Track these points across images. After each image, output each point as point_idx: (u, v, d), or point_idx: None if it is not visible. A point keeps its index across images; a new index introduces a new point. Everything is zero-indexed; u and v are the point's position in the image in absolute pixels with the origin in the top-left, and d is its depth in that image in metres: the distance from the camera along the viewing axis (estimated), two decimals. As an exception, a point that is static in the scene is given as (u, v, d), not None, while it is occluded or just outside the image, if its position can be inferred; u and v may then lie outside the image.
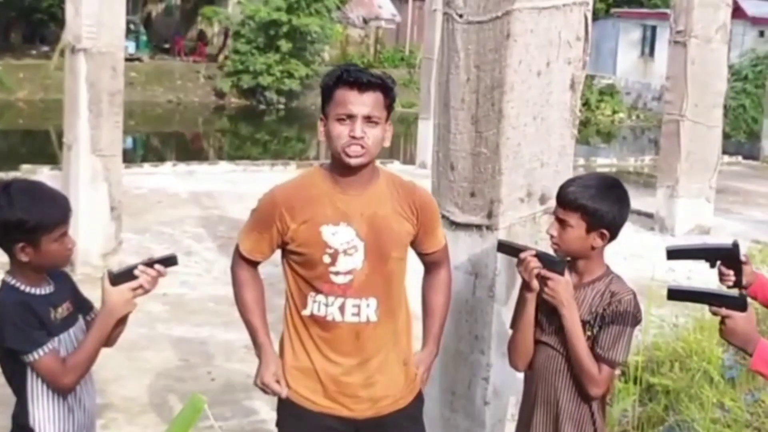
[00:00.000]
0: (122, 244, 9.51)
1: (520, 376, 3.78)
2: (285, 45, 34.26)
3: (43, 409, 3.23)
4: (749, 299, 3.20)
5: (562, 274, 3.45)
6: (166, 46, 40.23)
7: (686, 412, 5.56)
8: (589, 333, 3.48)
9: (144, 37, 37.77)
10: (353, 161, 3.35)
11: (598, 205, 3.44)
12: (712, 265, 3.78)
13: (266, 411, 6.03)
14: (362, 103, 3.32)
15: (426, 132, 16.53)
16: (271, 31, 34.28)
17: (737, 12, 19.18)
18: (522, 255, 3.50)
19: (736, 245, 3.74)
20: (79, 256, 8.72)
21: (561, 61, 4.15)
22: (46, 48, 35.31)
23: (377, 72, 3.45)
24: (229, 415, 6.05)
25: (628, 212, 3.53)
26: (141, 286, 3.25)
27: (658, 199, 12.72)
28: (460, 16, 4.18)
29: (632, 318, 3.47)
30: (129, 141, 24.76)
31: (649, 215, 12.82)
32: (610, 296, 3.47)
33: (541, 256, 3.48)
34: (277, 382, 3.52)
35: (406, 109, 30.00)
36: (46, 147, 23.45)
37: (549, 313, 3.53)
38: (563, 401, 3.54)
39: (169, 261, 3.33)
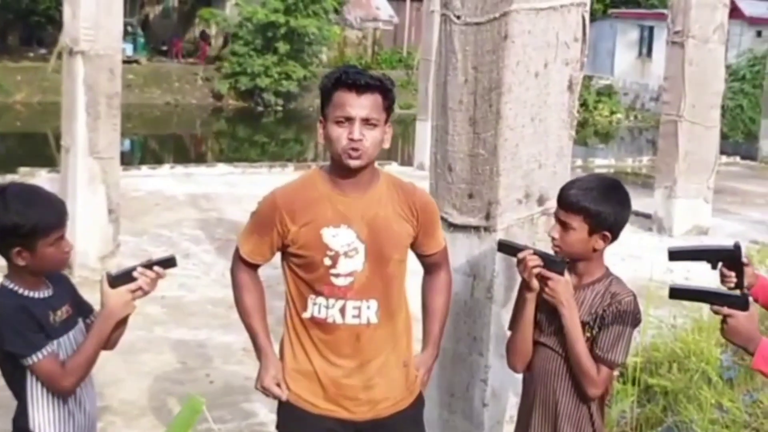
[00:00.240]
0: (120, 246, 9.50)
1: (519, 377, 3.78)
2: (283, 47, 34.28)
3: (43, 412, 3.22)
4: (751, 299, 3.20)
5: (561, 273, 3.45)
6: (164, 48, 40.24)
7: (685, 413, 5.56)
8: (588, 334, 3.48)
9: (141, 40, 37.78)
10: (352, 163, 3.35)
11: (600, 208, 3.43)
12: (714, 267, 3.78)
13: (265, 413, 6.03)
14: (360, 105, 3.32)
15: (424, 133, 16.53)
16: (269, 32, 34.30)
17: (734, 12, 19.21)
18: (522, 254, 3.50)
19: (737, 246, 3.74)
20: (77, 259, 8.72)
21: (559, 62, 4.15)
22: (43, 50, 35.31)
23: (376, 73, 3.45)
24: (228, 417, 6.04)
25: (629, 213, 3.54)
26: (140, 288, 3.25)
27: (656, 200, 12.72)
28: (458, 17, 4.18)
29: (632, 319, 3.46)
30: (127, 143, 24.75)
31: (647, 216, 12.81)
32: (610, 297, 3.47)
33: (540, 255, 3.48)
34: (278, 385, 3.52)
35: (404, 110, 29.98)
36: (44, 150, 23.43)
37: (548, 314, 3.53)
38: (562, 403, 3.54)
39: (168, 262, 3.32)
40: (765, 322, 6.30)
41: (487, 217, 4.15)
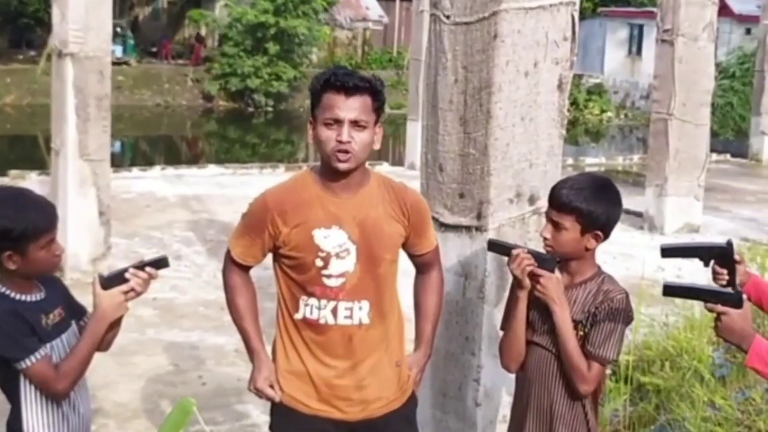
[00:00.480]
0: (111, 248, 9.48)
1: (511, 377, 3.78)
2: (273, 47, 34.27)
3: (36, 415, 3.21)
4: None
5: (552, 271, 3.46)
6: (154, 49, 40.18)
7: (677, 411, 5.57)
8: (581, 332, 3.48)
9: (131, 41, 37.73)
10: (341, 166, 3.35)
11: (592, 207, 3.43)
12: (706, 264, 3.79)
13: (258, 414, 6.02)
14: (349, 107, 3.32)
15: (414, 133, 16.53)
16: (259, 33, 34.29)
17: (724, 10, 19.25)
18: (514, 252, 3.50)
19: (730, 244, 3.75)
20: (69, 262, 8.71)
21: (548, 61, 4.15)
22: (32, 53, 35.26)
23: (366, 74, 3.44)
24: (220, 419, 6.04)
25: (620, 212, 3.54)
26: (132, 289, 3.25)
27: (647, 198, 12.74)
28: (447, 17, 4.18)
29: (624, 316, 3.47)
30: (117, 145, 24.73)
31: (638, 214, 12.84)
32: (602, 295, 3.47)
33: (531, 254, 3.48)
34: (271, 386, 3.52)
35: (395, 110, 29.99)
36: (34, 152, 23.41)
37: (541, 313, 3.53)
38: (556, 403, 3.54)
39: (160, 263, 3.32)
40: (757, 319, 6.32)
41: (479, 216, 4.15)
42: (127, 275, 3.24)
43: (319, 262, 3.39)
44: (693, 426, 5.30)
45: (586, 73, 38.43)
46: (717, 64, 15.84)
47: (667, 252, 3.87)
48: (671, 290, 3.16)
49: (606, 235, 3.49)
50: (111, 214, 9.53)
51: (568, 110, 4.37)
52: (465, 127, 4.16)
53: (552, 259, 3.48)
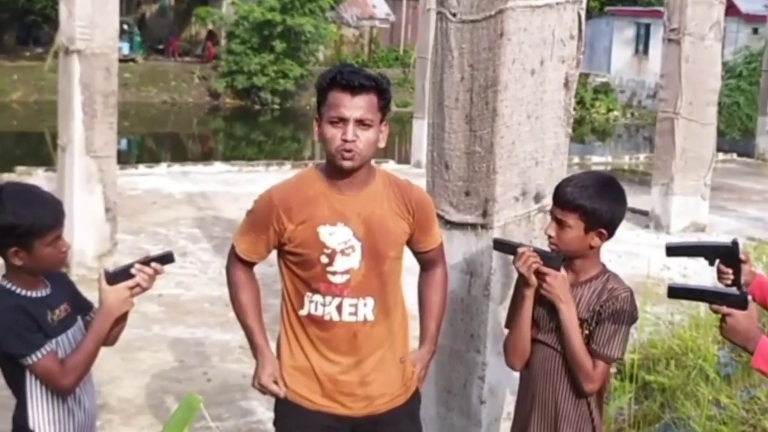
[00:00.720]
0: (117, 245, 9.50)
1: (516, 374, 3.78)
2: (279, 45, 34.25)
3: (42, 411, 3.22)
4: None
5: (558, 269, 3.46)
6: (160, 47, 40.20)
7: (682, 410, 5.56)
8: (586, 331, 3.48)
9: (138, 38, 37.77)
10: (345, 164, 3.35)
11: (596, 205, 3.43)
12: (711, 263, 3.78)
13: (263, 411, 6.03)
14: (355, 106, 3.32)
15: (421, 131, 16.54)
16: (265, 31, 34.28)
17: (731, 9, 19.22)
18: (520, 250, 3.50)
19: (735, 243, 3.74)
20: (75, 258, 8.73)
21: (555, 60, 4.15)
22: (39, 49, 35.29)
23: (372, 73, 3.43)
24: (226, 415, 6.04)
25: (625, 210, 3.54)
26: (138, 285, 3.25)
27: (653, 197, 12.74)
28: (454, 15, 4.19)
29: (628, 315, 3.47)
30: (124, 142, 24.73)
31: (644, 213, 12.85)
32: (607, 294, 3.47)
33: (537, 252, 3.48)
34: (275, 382, 3.52)
35: (401, 108, 30.01)
36: (41, 149, 23.45)
37: (546, 312, 3.54)
38: (561, 401, 3.54)
39: (166, 258, 3.32)
40: (762, 318, 6.32)
41: (484, 214, 4.15)
42: (132, 271, 3.24)
43: (324, 259, 3.40)
44: (698, 425, 5.30)
45: (592, 72, 38.41)
46: (724, 64, 15.82)
47: (673, 251, 3.86)
48: (676, 292, 3.15)
49: (610, 234, 3.49)
50: (117, 211, 9.55)
51: (575, 109, 4.37)
52: (471, 125, 4.16)
53: (558, 257, 3.48)
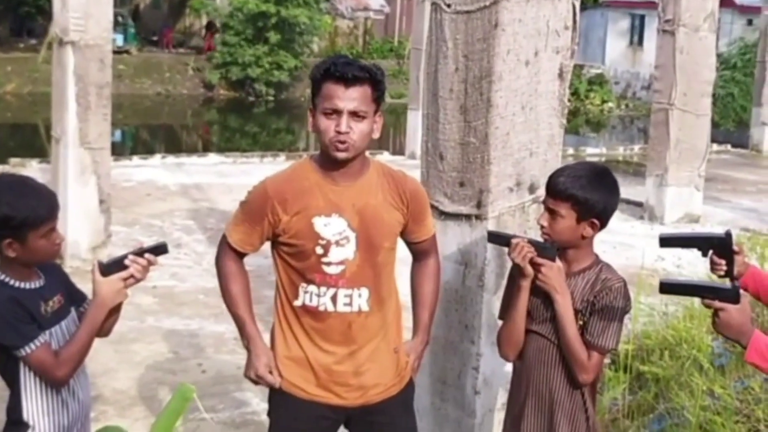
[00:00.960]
0: (111, 237, 9.50)
1: (510, 365, 3.78)
2: (273, 36, 34.18)
3: (36, 402, 3.22)
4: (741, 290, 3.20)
5: (553, 259, 3.46)
6: (155, 38, 40.10)
7: (676, 400, 5.58)
8: (580, 321, 3.48)
9: (132, 30, 37.62)
10: (339, 156, 3.36)
11: (588, 195, 3.43)
12: (704, 254, 3.78)
13: (257, 402, 6.04)
14: (349, 98, 3.32)
15: (415, 122, 16.54)
16: (260, 22, 34.20)
17: (725, 0, 19.22)
18: (514, 241, 3.50)
19: (728, 235, 3.74)
20: (69, 250, 8.73)
21: (549, 51, 4.15)
22: (33, 41, 35.17)
23: (366, 64, 3.43)
24: (220, 406, 6.05)
25: (618, 200, 3.53)
26: (132, 276, 3.25)
27: (648, 188, 12.76)
28: (448, 5, 4.19)
29: (622, 305, 3.47)
30: (118, 134, 24.69)
31: (639, 204, 12.87)
32: (601, 284, 3.48)
33: (532, 243, 3.48)
34: (270, 373, 3.52)
35: (396, 99, 29.98)
36: (35, 140, 23.40)
37: (540, 302, 3.54)
38: (556, 391, 3.54)
39: (159, 249, 3.32)
40: (756, 308, 6.33)
41: (479, 205, 4.15)
42: (126, 262, 3.24)
43: (319, 250, 3.40)
44: (692, 415, 5.31)
45: (587, 64, 38.38)
46: (718, 55, 15.83)
47: (666, 242, 3.87)
48: (668, 287, 3.15)
49: (603, 224, 3.49)
50: (111, 203, 9.55)
51: (569, 100, 4.37)
52: (465, 115, 4.16)
53: (553, 248, 3.47)
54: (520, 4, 4.03)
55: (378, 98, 3.41)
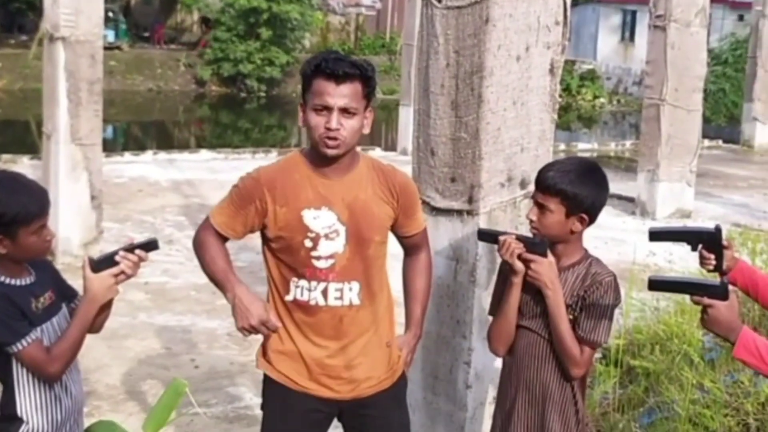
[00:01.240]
0: (103, 233, 9.50)
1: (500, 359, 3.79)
2: (265, 32, 34.16)
3: (29, 397, 3.22)
4: (730, 286, 3.21)
5: (544, 255, 3.46)
6: (146, 34, 40.01)
7: (666, 394, 5.59)
8: (570, 316, 3.48)
9: (123, 26, 37.51)
10: (329, 152, 3.37)
11: (577, 190, 3.43)
12: (694, 248, 3.79)
13: (250, 397, 6.06)
14: (339, 94, 3.32)
15: (407, 118, 16.54)
16: (251, 18, 34.17)
17: (716, -4, 19.25)
18: (501, 238, 3.51)
19: (718, 229, 3.76)
20: (60, 246, 8.73)
21: (540, 46, 4.16)
22: (24, 37, 35.06)
23: (357, 60, 3.43)
24: (213, 401, 6.06)
25: (607, 195, 3.54)
26: (123, 272, 3.24)
27: (639, 183, 12.79)
28: (439, 1, 4.19)
29: (613, 299, 3.48)
30: (109, 130, 24.66)
31: (630, 199, 12.90)
32: (591, 278, 3.48)
33: (521, 239, 3.49)
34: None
35: (387, 95, 30.00)
36: (26, 137, 23.36)
37: (530, 298, 3.54)
38: (548, 385, 3.55)
39: (150, 246, 3.31)
40: (747, 304, 6.35)
41: (470, 200, 4.16)
42: (117, 258, 3.23)
43: (308, 243, 3.40)
44: (681, 408, 5.33)
45: (578, 59, 38.42)
46: (709, 51, 15.87)
47: (656, 235, 3.88)
48: (657, 285, 3.16)
49: (592, 219, 3.50)
50: (103, 199, 9.55)
51: (560, 95, 4.38)
52: (456, 111, 4.17)
53: (543, 243, 3.48)
54: (511, -1, 4.04)
55: (368, 94, 3.42)
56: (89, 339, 3.35)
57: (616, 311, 3.64)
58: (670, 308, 6.95)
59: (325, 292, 3.44)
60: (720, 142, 21.10)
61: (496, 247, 3.61)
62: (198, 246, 3.56)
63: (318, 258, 3.42)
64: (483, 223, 4.10)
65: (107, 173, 11.48)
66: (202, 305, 8.05)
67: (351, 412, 3.61)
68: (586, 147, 21.18)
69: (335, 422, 3.70)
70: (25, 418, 3.22)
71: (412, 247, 3.72)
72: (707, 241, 3.75)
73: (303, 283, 3.45)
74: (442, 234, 4.26)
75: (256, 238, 3.62)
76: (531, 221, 3.52)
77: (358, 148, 3.51)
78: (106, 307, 3.31)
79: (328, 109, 3.32)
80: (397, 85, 23.35)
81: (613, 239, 10.42)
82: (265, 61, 34.51)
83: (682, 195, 12.65)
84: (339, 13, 42.57)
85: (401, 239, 3.69)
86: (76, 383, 3.40)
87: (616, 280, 3.52)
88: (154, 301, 8.19)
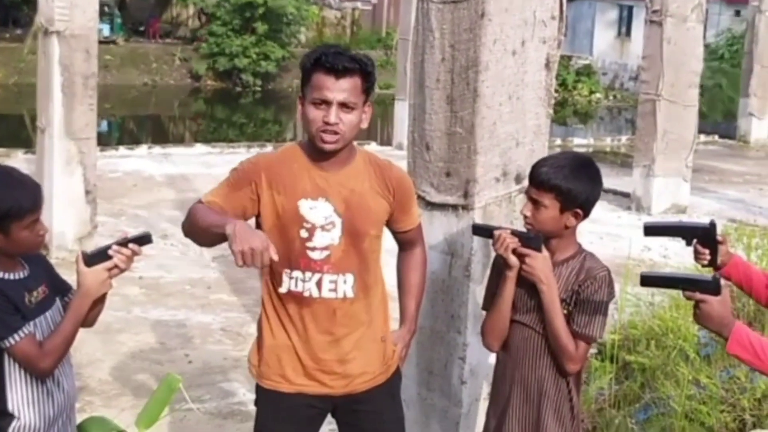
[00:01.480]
0: (98, 227, 9.49)
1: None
2: (261, 27, 34.17)
3: (20, 392, 3.20)
4: (723, 279, 3.21)
5: (539, 249, 3.46)
6: (141, 28, 39.97)
7: (662, 390, 5.60)
8: (565, 311, 3.49)
9: (118, 20, 37.50)
10: (326, 147, 3.36)
11: (571, 185, 3.43)
12: (689, 243, 3.80)
13: (243, 392, 6.05)
14: (338, 89, 3.32)
15: (403, 113, 16.53)
16: (247, 12, 34.17)
17: (712, -9, 19.26)
18: (496, 233, 3.50)
19: (713, 224, 3.76)
20: (54, 240, 8.72)
21: (536, 40, 4.16)
22: (19, 31, 34.99)
23: (357, 54, 3.42)
24: (207, 397, 6.06)
25: (600, 190, 3.54)
26: (116, 266, 3.23)
27: (635, 179, 12.80)
28: (435, -5, 4.18)
29: (607, 293, 3.49)
30: (104, 124, 24.66)
31: (626, 195, 12.92)
32: (585, 273, 3.49)
33: (516, 233, 3.49)
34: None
35: (383, 90, 29.95)
36: (21, 131, 23.33)
37: (524, 292, 3.54)
38: (543, 381, 3.55)
39: (143, 240, 3.30)
40: (742, 299, 6.36)
41: (465, 195, 4.15)
42: (110, 252, 3.22)
43: (303, 233, 3.40)
44: (677, 404, 5.33)
45: (575, 55, 38.46)
46: (706, 46, 15.89)
47: (650, 230, 3.88)
48: (649, 280, 3.16)
49: (586, 214, 3.50)
50: (97, 193, 9.53)
51: (556, 90, 4.37)
52: (452, 105, 4.16)
53: (538, 238, 3.48)
54: (506, -7, 4.03)
55: (368, 89, 3.41)
56: (82, 333, 3.34)
57: (611, 306, 3.64)
58: (665, 303, 6.96)
59: (319, 284, 3.43)
60: (716, 137, 21.12)
61: (490, 242, 3.61)
62: (187, 218, 3.46)
63: (313, 249, 3.41)
64: (478, 217, 4.10)
65: (102, 167, 11.46)
66: (196, 300, 8.05)
67: (345, 407, 3.60)
68: (582, 142, 21.21)
69: (329, 418, 3.69)
70: (16, 414, 3.20)
71: (407, 242, 3.72)
72: (702, 237, 3.76)
73: (297, 274, 3.43)
74: (437, 229, 4.26)
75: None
76: (525, 217, 3.52)
77: (354, 143, 3.50)
78: (99, 302, 3.29)
79: (327, 103, 3.32)
80: (393, 80, 23.33)
81: (609, 234, 10.42)
82: (261, 56, 34.53)
83: (677, 190, 12.66)
84: (334, 8, 42.56)
85: (396, 234, 3.69)
86: (69, 378, 3.39)
87: (611, 275, 3.52)
88: (148, 295, 8.18)
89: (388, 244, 3.66)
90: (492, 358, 3.88)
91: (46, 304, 3.27)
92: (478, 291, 4.15)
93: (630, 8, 38.74)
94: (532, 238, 3.47)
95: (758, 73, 19.45)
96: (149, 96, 34.05)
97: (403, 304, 3.76)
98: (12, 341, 3.10)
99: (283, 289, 3.47)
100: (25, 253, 3.25)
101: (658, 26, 12.20)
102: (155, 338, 7.16)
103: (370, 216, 3.48)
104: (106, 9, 32.50)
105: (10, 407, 3.20)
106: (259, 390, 3.62)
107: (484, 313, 3.75)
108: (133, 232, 3.43)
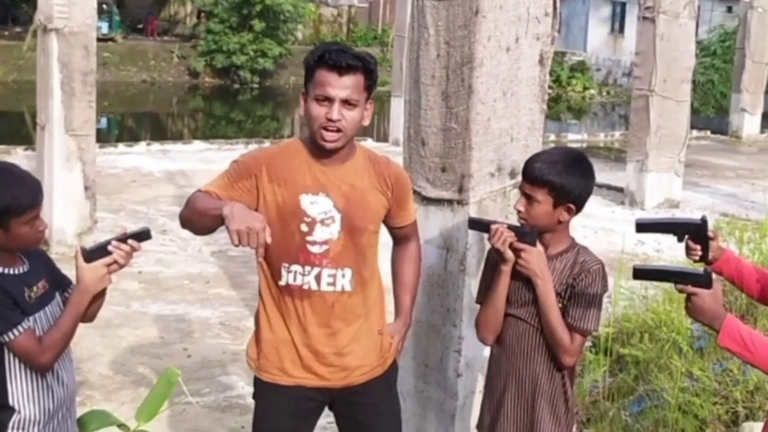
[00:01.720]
0: (97, 223, 9.52)
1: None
2: (258, 24, 34.09)
3: (21, 387, 3.22)
4: (715, 274, 3.25)
5: (533, 244, 3.49)
6: (140, 26, 39.89)
7: (656, 382, 5.63)
8: (560, 304, 3.51)
9: (117, 18, 37.38)
10: (328, 145, 3.40)
11: (564, 181, 3.46)
12: (680, 239, 3.82)
13: (242, 386, 6.09)
14: (341, 86, 3.35)
15: (399, 109, 16.55)
16: (244, 10, 34.10)
17: (706, -13, 19.30)
18: (494, 227, 3.54)
19: (704, 220, 3.79)
20: (54, 236, 8.76)
21: (530, 37, 4.19)
22: (18, 29, 34.92)
23: (360, 52, 3.46)
24: (205, 390, 6.10)
25: (593, 185, 3.57)
26: (115, 262, 3.23)
27: (628, 174, 12.84)
28: (430, -8, 4.22)
29: (601, 286, 3.51)
30: (103, 121, 24.62)
31: (620, 189, 12.97)
32: (579, 266, 3.52)
33: (511, 228, 3.53)
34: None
35: (379, 87, 29.78)
36: (21, 128, 23.29)
37: (519, 286, 3.57)
38: (538, 374, 3.58)
39: (142, 235, 3.30)
40: (734, 293, 6.40)
41: (460, 190, 4.19)
42: (109, 248, 3.22)
43: (303, 227, 3.43)
44: (671, 396, 5.37)
45: (568, 51, 38.43)
46: (698, 42, 15.93)
47: (642, 227, 3.90)
48: (641, 273, 3.20)
49: (579, 208, 3.52)
50: (97, 189, 9.57)
51: (550, 86, 4.42)
52: (447, 101, 4.20)
53: (533, 233, 3.50)
54: (500, -9, 4.07)
55: (370, 87, 3.45)
56: (82, 328, 3.36)
57: (605, 299, 3.68)
58: (658, 297, 6.99)
59: (318, 278, 3.47)
60: (708, 132, 21.13)
61: (486, 236, 3.64)
62: (185, 206, 3.50)
63: (313, 243, 3.45)
64: (473, 212, 4.13)
65: (101, 164, 11.50)
66: (195, 294, 8.09)
67: (342, 400, 3.63)
68: (575, 137, 21.20)
69: (326, 411, 3.73)
70: (16, 408, 3.22)
71: (402, 237, 3.77)
72: (693, 232, 3.78)
73: (296, 267, 3.47)
74: (432, 223, 4.29)
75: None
76: (519, 211, 3.55)
77: (354, 139, 3.55)
78: (98, 297, 3.30)
79: (329, 99, 3.35)
80: (389, 77, 23.30)
81: (603, 229, 10.47)
82: (258, 53, 34.45)
83: (670, 185, 12.71)
84: (331, 5, 42.44)
85: (392, 230, 3.73)
86: (69, 372, 3.40)
87: (604, 268, 3.55)
88: (148, 290, 8.21)
89: (383, 239, 3.70)
90: (487, 351, 3.91)
91: (45, 299, 3.28)
92: (473, 285, 4.18)
93: (623, 5, 38.71)
94: (527, 233, 3.50)
95: (750, 68, 19.46)
96: (148, 93, 33.99)
97: (398, 298, 3.81)
98: (11, 336, 3.11)
99: (282, 283, 3.50)
100: (24, 249, 3.27)
101: (651, 23, 12.25)
102: (154, 333, 7.20)
103: (369, 212, 3.52)
104: (104, 7, 32.43)
105: (10, 401, 3.21)
106: (258, 383, 3.65)
107: (478, 306, 3.79)
108: (132, 227, 3.45)
